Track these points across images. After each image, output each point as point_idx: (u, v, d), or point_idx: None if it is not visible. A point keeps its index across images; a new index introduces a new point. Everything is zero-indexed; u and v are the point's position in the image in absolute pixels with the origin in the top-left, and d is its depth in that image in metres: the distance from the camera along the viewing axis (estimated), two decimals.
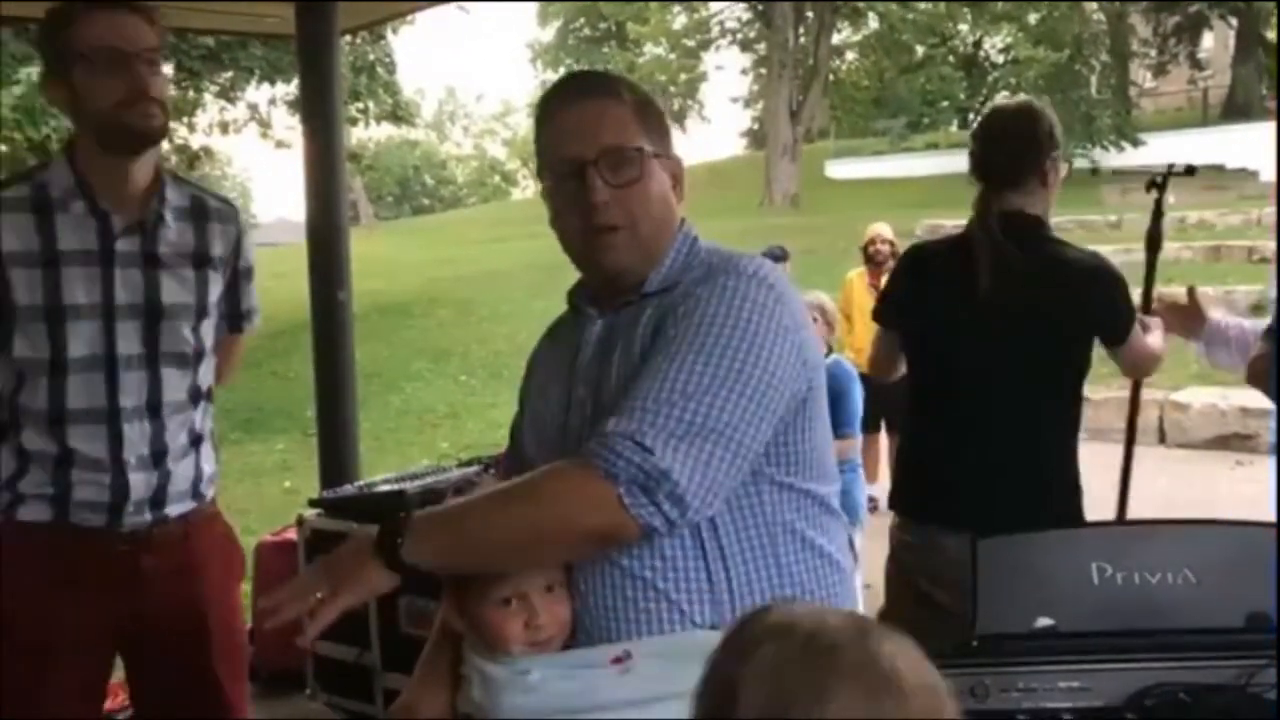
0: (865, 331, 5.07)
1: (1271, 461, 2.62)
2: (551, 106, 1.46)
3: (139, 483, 1.98)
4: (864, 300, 6.16)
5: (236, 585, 2.24)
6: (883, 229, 6.73)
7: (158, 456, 2.01)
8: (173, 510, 2.04)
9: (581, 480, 1.26)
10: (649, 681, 1.27)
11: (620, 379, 1.37)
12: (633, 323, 1.42)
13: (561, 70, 38.74)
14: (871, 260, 6.59)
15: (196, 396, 2.10)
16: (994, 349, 2.47)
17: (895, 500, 2.67)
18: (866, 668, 0.82)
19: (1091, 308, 2.51)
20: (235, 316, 2.21)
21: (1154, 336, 2.65)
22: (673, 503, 1.24)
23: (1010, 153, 2.51)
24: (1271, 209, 12.59)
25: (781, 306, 1.35)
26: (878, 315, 2.74)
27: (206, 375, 2.13)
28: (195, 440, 2.10)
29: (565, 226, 1.44)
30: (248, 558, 2.41)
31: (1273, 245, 10.70)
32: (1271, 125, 13.02)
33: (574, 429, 1.40)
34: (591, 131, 1.40)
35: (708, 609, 1.32)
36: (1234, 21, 26.12)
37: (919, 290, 2.59)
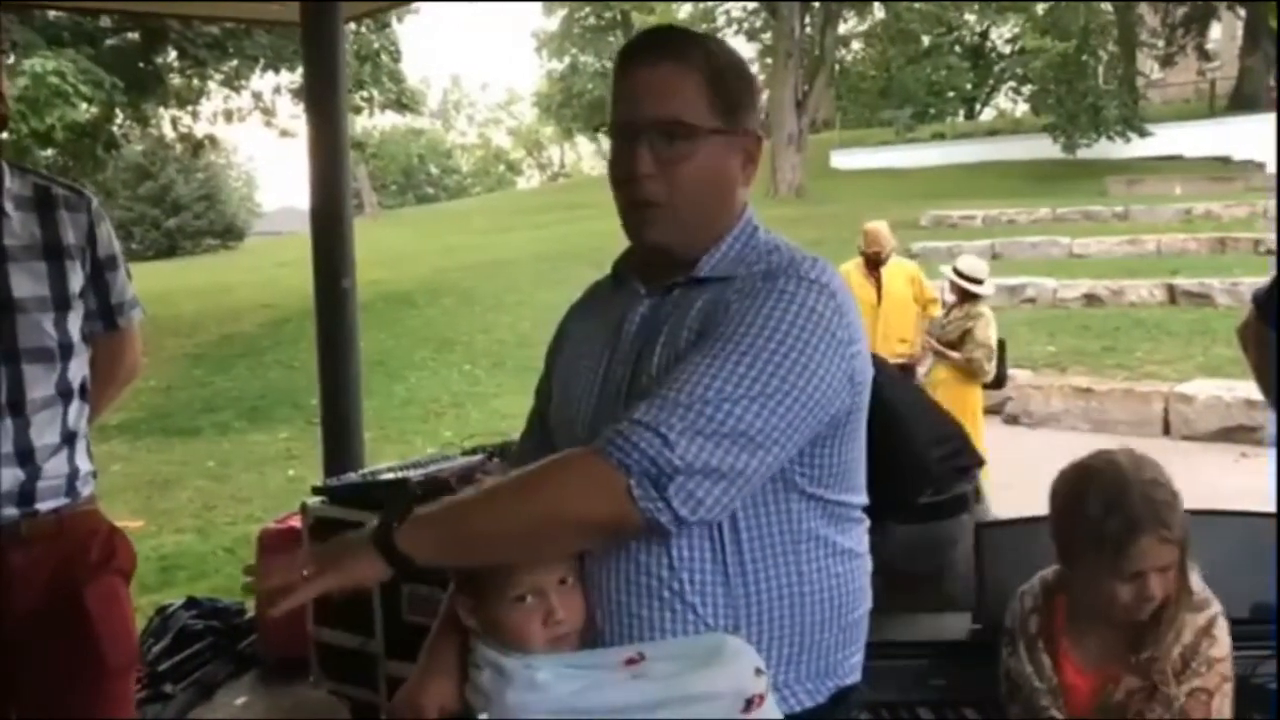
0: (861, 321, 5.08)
1: (1272, 454, 2.59)
2: (623, 63, 1.39)
3: (5, 478, 1.93)
4: (862, 291, 6.17)
5: (121, 579, 2.15)
6: (876, 231, 6.66)
7: (24, 454, 1.95)
8: (44, 506, 1.99)
9: (590, 467, 1.21)
10: (659, 684, 1.24)
11: (661, 366, 1.32)
12: (681, 308, 1.36)
13: (567, 60, 38.69)
14: (865, 257, 6.57)
15: (67, 393, 2.02)
16: None
17: None
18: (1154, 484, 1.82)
19: None
20: (107, 312, 2.11)
21: None
22: (684, 500, 1.19)
23: None
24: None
25: (840, 318, 1.29)
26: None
27: (77, 372, 2.05)
28: (68, 437, 2.03)
29: (614, 191, 1.38)
30: (251, 545, 2.38)
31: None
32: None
33: (607, 410, 1.35)
34: (651, 98, 1.33)
35: (722, 610, 1.29)
36: (1242, 13, 25.96)
37: None
